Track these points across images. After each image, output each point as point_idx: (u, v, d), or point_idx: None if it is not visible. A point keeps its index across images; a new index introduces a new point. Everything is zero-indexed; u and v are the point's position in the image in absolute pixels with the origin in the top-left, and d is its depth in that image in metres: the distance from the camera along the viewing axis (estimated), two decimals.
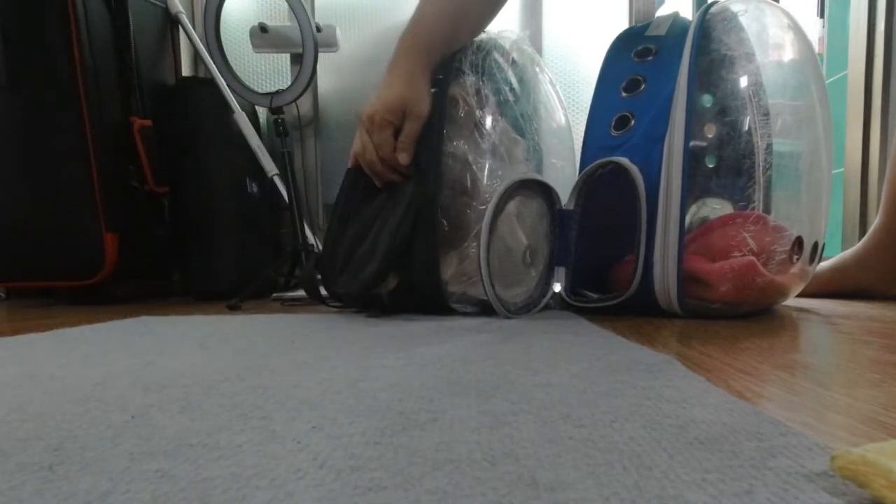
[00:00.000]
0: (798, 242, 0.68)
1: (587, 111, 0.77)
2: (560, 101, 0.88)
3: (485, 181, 0.71)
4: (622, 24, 1.43)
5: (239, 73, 1.22)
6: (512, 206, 0.70)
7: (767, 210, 0.70)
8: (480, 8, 0.76)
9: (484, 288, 0.66)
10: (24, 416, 0.28)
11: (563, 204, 0.72)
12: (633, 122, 0.70)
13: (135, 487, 0.19)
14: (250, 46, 1.33)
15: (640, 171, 0.66)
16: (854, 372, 0.37)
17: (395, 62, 0.72)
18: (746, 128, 0.70)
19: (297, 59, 1.30)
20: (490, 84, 0.75)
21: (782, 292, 0.71)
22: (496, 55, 0.78)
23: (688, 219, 0.68)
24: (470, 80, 0.73)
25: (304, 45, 1.18)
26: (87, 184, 1.02)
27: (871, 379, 0.34)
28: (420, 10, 0.74)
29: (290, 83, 1.23)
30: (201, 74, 1.36)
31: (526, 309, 0.71)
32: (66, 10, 0.99)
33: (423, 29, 0.73)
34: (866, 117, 1.22)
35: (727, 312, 0.67)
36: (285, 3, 1.22)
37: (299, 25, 1.18)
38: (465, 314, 0.71)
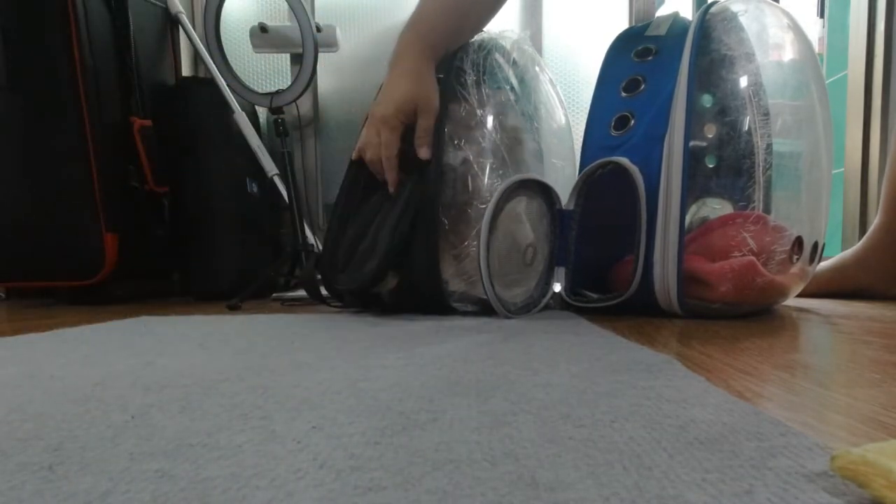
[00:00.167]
0: (798, 242, 0.68)
1: (587, 111, 0.77)
2: (560, 101, 0.88)
3: (486, 180, 0.71)
4: (622, 24, 1.43)
5: (239, 73, 1.22)
6: (512, 206, 0.70)
7: (767, 210, 0.70)
8: (482, 5, 0.76)
9: (483, 288, 0.66)
10: (24, 416, 0.28)
11: (563, 204, 0.72)
12: (632, 122, 0.70)
13: (135, 487, 0.19)
14: (250, 46, 1.33)
15: (640, 171, 0.66)
16: (854, 372, 0.37)
17: (398, 59, 0.72)
18: (746, 128, 0.70)
19: (297, 59, 1.30)
20: (491, 83, 0.75)
21: (782, 292, 0.71)
22: (497, 55, 0.78)
23: (688, 219, 0.68)
24: (471, 78, 0.73)
25: (304, 45, 1.18)
26: (87, 184, 1.02)
27: (871, 379, 0.34)
28: (421, 6, 0.74)
29: (290, 83, 1.23)
30: (201, 74, 1.36)
31: (526, 309, 0.71)
32: (66, 10, 0.99)
33: (424, 25, 0.73)
34: (866, 117, 1.22)
35: (727, 312, 0.67)
36: (285, 3, 1.22)
37: (299, 25, 1.18)
38: (466, 314, 0.71)
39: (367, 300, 0.77)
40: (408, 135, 0.71)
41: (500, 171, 0.72)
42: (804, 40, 0.74)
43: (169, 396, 0.31)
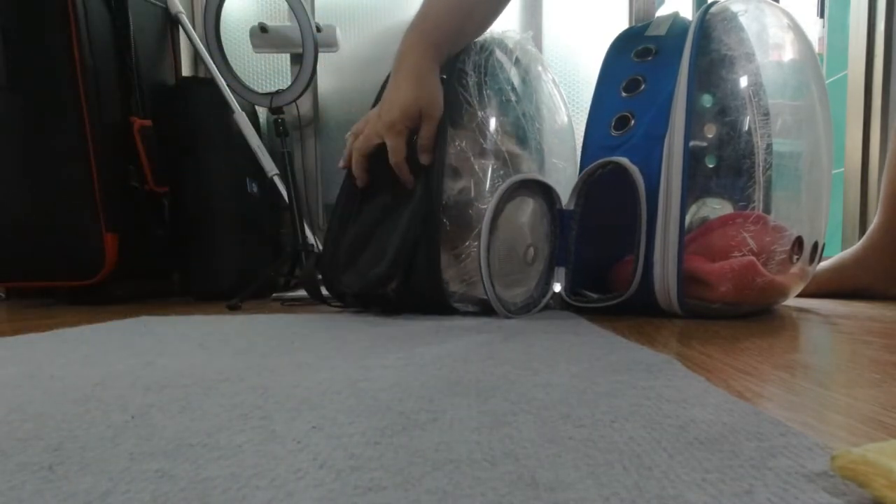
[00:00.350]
0: (798, 242, 0.68)
1: (587, 111, 0.77)
2: (563, 101, 0.88)
3: (487, 181, 0.71)
4: (622, 24, 1.43)
5: (239, 73, 1.21)
6: (513, 206, 0.70)
7: (767, 210, 0.70)
8: (487, 4, 0.76)
9: (484, 288, 0.66)
10: (24, 416, 0.28)
11: (563, 204, 0.72)
12: (632, 122, 0.70)
13: (135, 487, 0.19)
14: (250, 46, 1.33)
15: (640, 171, 0.66)
16: (854, 372, 0.37)
17: (402, 60, 0.72)
18: (746, 128, 0.70)
19: (297, 59, 1.30)
20: (492, 84, 0.75)
21: (782, 292, 0.71)
22: (499, 53, 0.78)
23: (688, 219, 0.68)
24: (472, 80, 0.73)
25: (304, 45, 1.18)
26: (87, 184, 1.02)
27: (871, 379, 0.34)
28: (426, 6, 0.74)
29: (290, 83, 1.23)
30: (201, 74, 1.36)
31: (526, 309, 0.71)
32: (66, 10, 0.99)
33: (428, 24, 0.72)
34: (866, 117, 1.22)
35: (727, 312, 0.67)
36: (285, 3, 1.22)
37: (299, 25, 1.18)
38: (466, 313, 0.71)
39: (368, 300, 0.77)
40: (412, 139, 0.71)
41: (501, 172, 0.72)
42: (804, 40, 0.74)
43: (169, 396, 0.31)
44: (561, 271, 0.73)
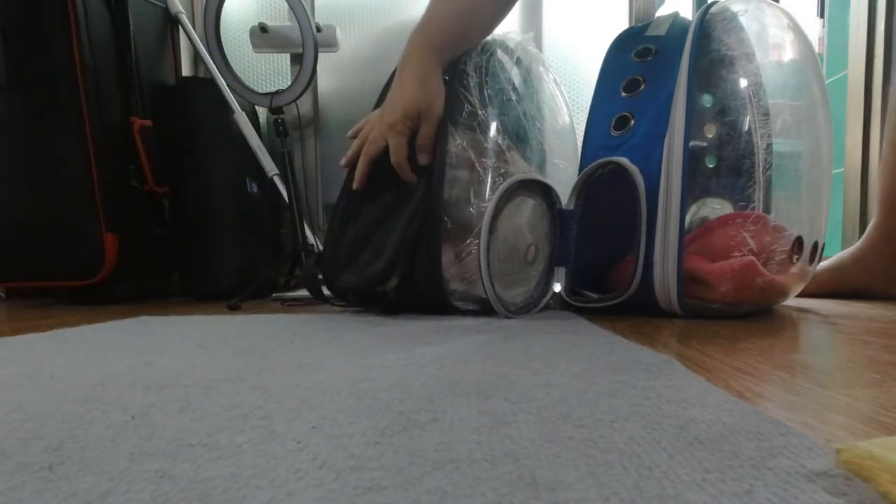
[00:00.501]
0: (798, 242, 0.68)
1: (587, 111, 0.77)
2: (565, 102, 0.88)
3: (488, 180, 0.71)
4: (622, 24, 1.43)
5: (239, 73, 1.21)
6: (513, 206, 0.70)
7: (767, 210, 0.70)
8: (491, 9, 0.77)
9: (484, 288, 0.66)
10: (24, 416, 0.28)
11: (563, 204, 0.72)
12: (632, 122, 0.70)
13: (135, 487, 0.19)
14: (250, 46, 1.33)
15: (640, 171, 0.66)
16: (854, 372, 0.37)
17: (406, 62, 0.73)
18: (746, 128, 0.70)
19: (297, 59, 1.30)
20: (493, 84, 0.75)
21: (782, 292, 0.71)
22: (500, 54, 0.79)
23: (688, 219, 0.68)
24: (474, 80, 0.74)
25: (304, 45, 1.18)
26: (87, 184, 1.02)
27: (871, 379, 0.34)
28: (431, 9, 0.75)
29: (290, 83, 1.23)
30: (201, 74, 1.36)
31: (526, 309, 0.71)
32: (66, 10, 0.99)
33: (433, 28, 0.73)
34: (866, 117, 1.22)
35: (727, 312, 0.67)
36: (285, 3, 1.22)
37: (299, 25, 1.18)
38: (466, 312, 0.72)
39: (369, 299, 0.78)
40: (413, 139, 0.72)
41: (502, 171, 0.72)
42: (804, 40, 0.74)
43: (169, 396, 0.31)
44: (561, 271, 0.73)
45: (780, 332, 0.57)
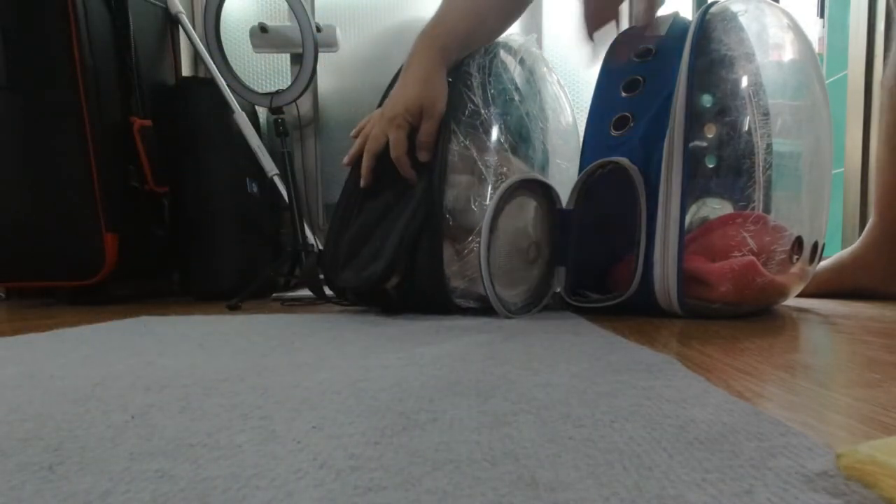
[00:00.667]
0: (798, 242, 0.68)
1: (587, 111, 0.77)
2: (568, 103, 0.88)
3: (490, 178, 0.71)
4: (622, 25, 1.43)
5: (239, 73, 1.21)
6: (514, 205, 0.70)
7: (767, 210, 0.70)
8: (500, 12, 0.78)
9: (484, 288, 0.66)
10: (24, 416, 0.28)
11: (563, 204, 0.72)
12: (632, 122, 0.70)
13: (135, 487, 0.19)
14: (250, 46, 1.33)
15: (640, 170, 0.66)
16: (854, 372, 0.37)
17: (412, 61, 0.73)
18: (746, 128, 0.70)
19: (297, 59, 1.30)
20: (496, 84, 0.75)
21: (782, 292, 0.71)
22: (503, 54, 0.79)
23: (688, 219, 0.68)
24: (477, 80, 0.74)
25: (304, 45, 1.18)
26: (87, 184, 1.02)
27: (871, 379, 0.34)
28: (443, 9, 0.76)
29: (290, 83, 1.23)
30: (201, 74, 1.36)
31: (526, 309, 0.71)
32: (66, 10, 0.99)
33: (442, 28, 0.74)
34: (866, 117, 1.22)
35: (727, 312, 0.67)
36: (285, 3, 1.22)
37: (299, 25, 1.18)
38: (467, 309, 0.72)
39: (369, 297, 0.78)
40: (414, 135, 0.72)
41: (503, 170, 0.72)
42: (804, 40, 0.74)
43: (169, 396, 0.31)
44: (561, 271, 0.73)
45: (780, 332, 0.57)
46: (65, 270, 1.05)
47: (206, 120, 1.15)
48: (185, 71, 1.35)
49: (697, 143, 0.70)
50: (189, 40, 1.29)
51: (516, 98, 0.78)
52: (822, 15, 1.39)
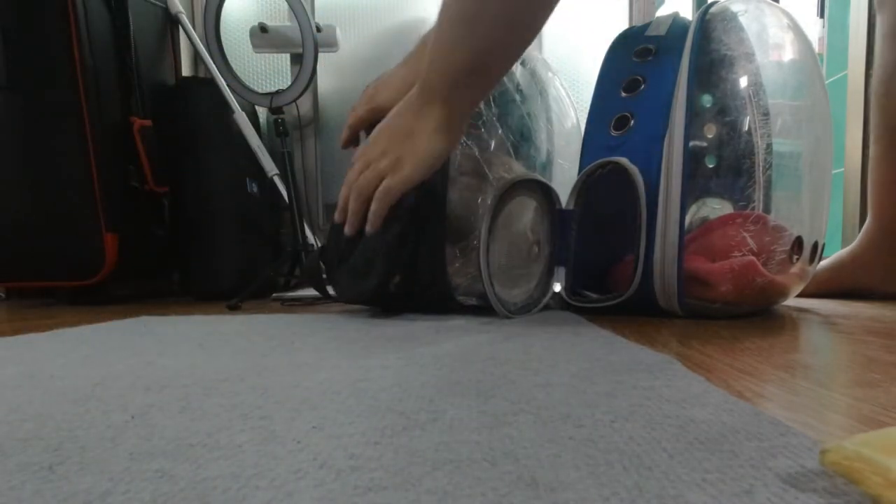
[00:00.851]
0: (798, 242, 0.68)
1: (587, 111, 0.77)
2: (571, 104, 0.88)
3: (490, 178, 0.72)
4: (622, 25, 1.43)
5: (239, 73, 1.21)
6: (514, 206, 0.71)
7: (767, 210, 0.70)
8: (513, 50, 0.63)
9: (484, 288, 0.66)
10: (24, 416, 0.28)
11: (562, 204, 0.72)
12: (632, 122, 0.70)
13: (135, 487, 0.19)
14: (250, 46, 1.33)
15: (640, 171, 0.66)
16: (854, 372, 0.37)
17: (432, 100, 0.62)
18: (746, 128, 0.70)
19: (297, 59, 1.30)
20: (497, 85, 0.76)
21: (782, 292, 0.71)
22: None
23: (688, 219, 0.68)
24: None
25: (304, 45, 1.18)
26: (87, 184, 1.02)
27: (871, 379, 0.34)
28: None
29: (290, 83, 1.23)
30: (201, 74, 1.36)
31: (526, 309, 0.71)
32: (66, 10, 0.99)
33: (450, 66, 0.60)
34: (866, 117, 1.21)
35: (727, 312, 0.67)
36: (285, 3, 1.22)
37: (299, 25, 1.18)
38: (467, 309, 0.72)
39: (370, 298, 0.78)
40: None
41: (504, 170, 0.72)
42: (804, 40, 0.74)
43: (169, 396, 0.31)
44: (561, 271, 0.73)
45: (780, 332, 0.57)
46: (65, 270, 1.05)
47: (206, 120, 1.15)
48: (185, 71, 1.35)
49: (697, 142, 0.70)
50: (189, 40, 1.28)
51: (517, 99, 0.78)
52: (822, 15, 1.39)
